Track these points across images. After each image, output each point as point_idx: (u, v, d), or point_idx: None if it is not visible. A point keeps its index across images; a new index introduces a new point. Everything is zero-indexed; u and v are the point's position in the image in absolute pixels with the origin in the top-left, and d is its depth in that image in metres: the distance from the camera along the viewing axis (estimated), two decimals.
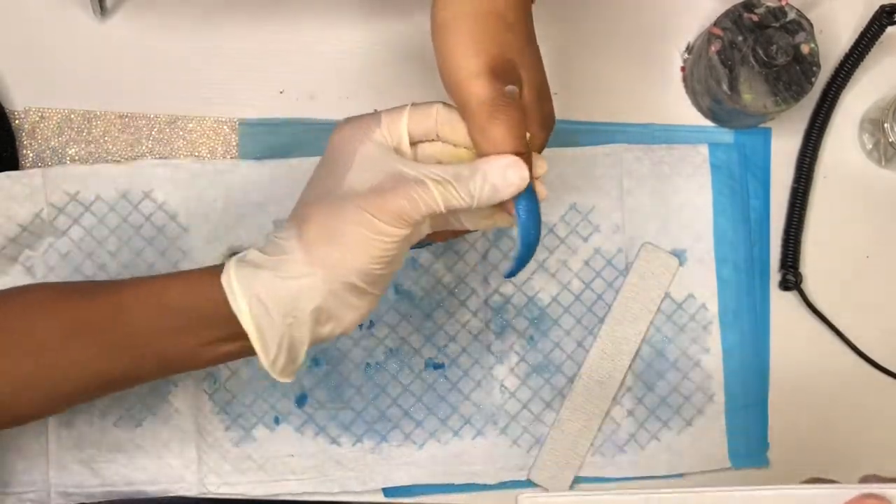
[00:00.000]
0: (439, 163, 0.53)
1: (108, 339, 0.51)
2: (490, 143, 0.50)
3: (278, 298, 0.49)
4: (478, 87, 0.50)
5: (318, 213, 0.50)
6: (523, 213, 0.52)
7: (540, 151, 0.54)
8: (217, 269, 0.51)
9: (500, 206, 0.52)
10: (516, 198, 0.51)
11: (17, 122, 0.72)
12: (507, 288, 0.72)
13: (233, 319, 0.50)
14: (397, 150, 0.52)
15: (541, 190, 0.53)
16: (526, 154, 0.50)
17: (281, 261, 0.50)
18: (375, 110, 0.54)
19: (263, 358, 0.50)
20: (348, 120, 0.53)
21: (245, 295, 0.49)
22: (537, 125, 0.52)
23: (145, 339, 0.51)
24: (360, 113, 0.55)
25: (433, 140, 0.54)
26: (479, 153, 0.51)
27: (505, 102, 0.50)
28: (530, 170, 0.51)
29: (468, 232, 0.57)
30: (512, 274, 0.56)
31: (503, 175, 0.50)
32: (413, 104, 0.53)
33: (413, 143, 0.53)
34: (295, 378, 0.53)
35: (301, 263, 0.49)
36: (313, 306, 0.50)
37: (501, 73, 0.50)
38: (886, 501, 0.43)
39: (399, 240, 0.49)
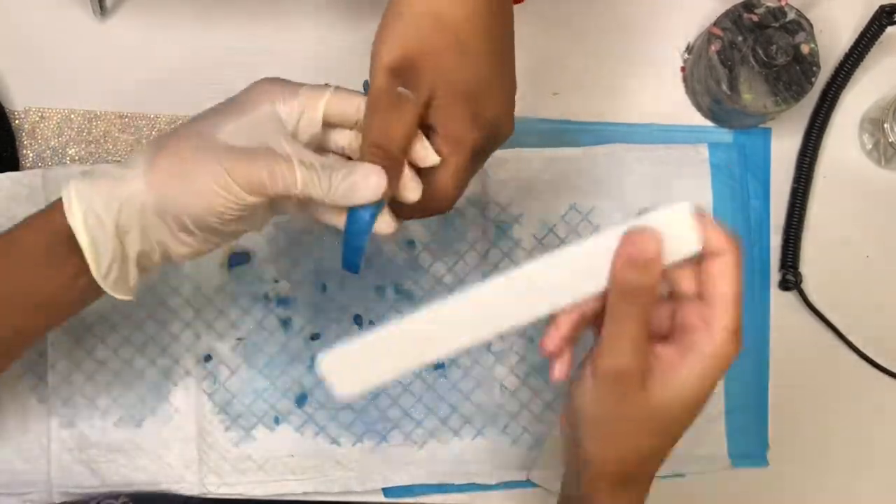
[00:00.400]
0: (346, 150, 0.54)
1: None
2: (364, 131, 0.51)
3: (110, 211, 0.49)
4: (378, 78, 0.51)
5: (179, 146, 0.50)
6: (352, 219, 0.51)
7: (476, 154, 0.53)
8: (60, 198, 0.51)
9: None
10: (357, 212, 0.51)
11: (17, 122, 0.72)
12: None
13: (78, 244, 0.50)
14: (303, 128, 0.52)
15: (385, 224, 0.52)
16: (389, 156, 0.51)
17: (123, 173, 0.50)
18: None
19: (94, 269, 0.50)
20: (273, 79, 0.53)
21: (80, 207, 0.49)
22: (463, 127, 0.52)
23: (8, 297, 0.52)
24: None
25: (350, 128, 0.54)
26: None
27: (387, 99, 0.50)
28: (396, 179, 0.51)
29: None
30: (345, 267, 0.54)
31: (365, 176, 0.50)
32: (338, 87, 0.53)
33: (331, 126, 0.53)
34: (134, 298, 0.53)
35: (140, 180, 0.50)
36: (141, 226, 0.50)
37: (401, 72, 0.50)
38: (654, 231, 0.45)
39: (245, 205, 0.50)
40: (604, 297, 0.47)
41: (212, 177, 0.49)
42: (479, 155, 0.54)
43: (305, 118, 0.52)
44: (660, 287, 0.46)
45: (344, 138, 0.54)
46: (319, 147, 0.54)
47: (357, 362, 0.48)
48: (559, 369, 0.50)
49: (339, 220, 0.53)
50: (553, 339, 0.49)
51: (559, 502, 0.57)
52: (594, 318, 0.49)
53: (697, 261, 0.47)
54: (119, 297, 0.52)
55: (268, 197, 0.50)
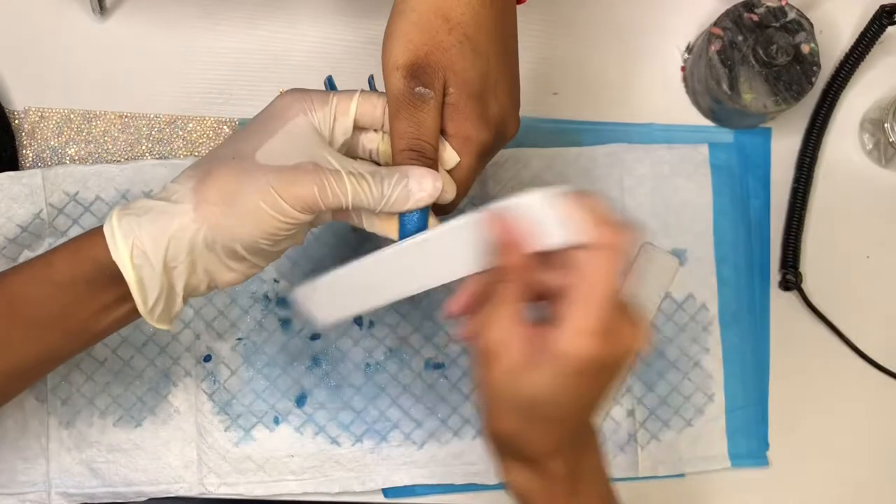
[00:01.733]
0: (375, 153, 0.54)
1: (6, 330, 0.51)
2: (392, 135, 0.51)
3: (158, 245, 0.49)
4: (394, 80, 0.51)
5: (224, 172, 0.49)
6: (407, 225, 0.52)
7: (484, 153, 0.53)
8: (100, 227, 0.50)
9: (394, 219, 0.52)
10: (409, 217, 0.52)
11: (16, 122, 0.72)
12: None
13: (118, 276, 0.49)
14: (338, 136, 0.52)
15: (433, 222, 0.53)
16: (426, 158, 0.51)
17: (168, 207, 0.49)
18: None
19: (141, 306, 0.50)
20: (297, 90, 0.53)
21: (126, 242, 0.49)
22: (473, 125, 0.52)
23: (45, 320, 0.51)
24: None
25: (377, 130, 0.54)
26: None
27: (410, 101, 0.50)
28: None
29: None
30: None
31: (420, 180, 0.50)
32: (363, 91, 0.53)
33: (358, 129, 0.54)
34: (173, 328, 0.53)
35: (188, 215, 0.49)
36: (190, 259, 0.49)
37: (418, 72, 0.50)
38: (503, 217, 0.46)
39: (297, 223, 0.49)
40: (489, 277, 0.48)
41: (262, 201, 0.48)
42: (486, 154, 0.54)
43: (338, 126, 0.52)
44: (535, 269, 0.46)
45: (372, 142, 0.54)
46: (349, 153, 0.54)
47: (325, 295, 0.54)
48: (463, 330, 0.50)
49: (387, 228, 0.53)
50: (457, 302, 0.50)
51: None
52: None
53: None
54: (162, 328, 0.52)
55: (319, 212, 0.50)
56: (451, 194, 0.53)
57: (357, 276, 0.52)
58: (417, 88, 0.50)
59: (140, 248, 0.49)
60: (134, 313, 0.51)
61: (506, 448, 0.50)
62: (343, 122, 0.52)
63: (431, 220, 0.52)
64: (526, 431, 0.48)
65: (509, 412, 0.47)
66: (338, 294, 0.54)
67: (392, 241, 0.52)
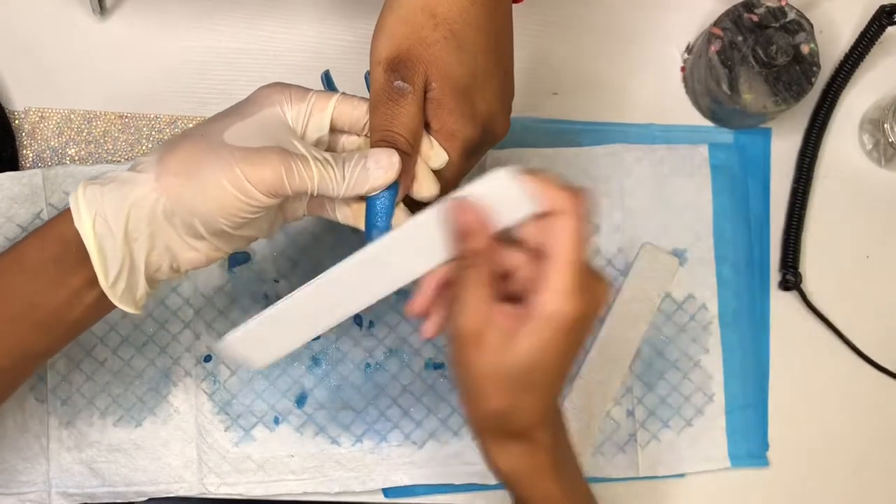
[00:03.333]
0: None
1: None
2: (371, 130, 0.52)
3: (119, 214, 0.49)
4: (375, 74, 0.51)
5: (189, 147, 0.49)
6: (371, 210, 0.52)
7: (471, 149, 0.53)
8: (69, 207, 0.50)
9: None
10: (375, 203, 0.51)
11: (17, 122, 0.72)
12: None
13: (85, 255, 0.49)
14: (311, 132, 0.52)
15: (402, 217, 0.52)
16: (401, 151, 0.51)
17: (132, 177, 0.49)
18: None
19: (102, 279, 0.50)
20: (279, 83, 0.53)
21: (89, 211, 0.49)
22: (457, 121, 0.52)
23: (16, 313, 0.51)
24: None
25: (358, 134, 0.54)
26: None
27: (388, 95, 0.51)
28: (407, 174, 0.51)
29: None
30: None
31: (377, 159, 0.50)
32: (343, 94, 0.53)
33: (338, 132, 0.54)
34: (141, 311, 0.52)
35: (149, 184, 0.49)
36: (150, 231, 0.49)
37: (397, 66, 0.50)
38: (467, 202, 0.48)
39: (260, 206, 0.49)
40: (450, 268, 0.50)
41: (225, 177, 0.48)
42: (472, 152, 0.54)
43: (313, 122, 0.52)
44: (498, 250, 0.48)
45: (352, 144, 0.54)
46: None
47: (259, 338, 0.52)
48: (427, 328, 0.52)
49: (357, 218, 0.53)
50: (417, 303, 0.51)
51: None
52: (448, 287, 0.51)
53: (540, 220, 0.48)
54: (126, 309, 0.51)
55: (283, 197, 0.49)
56: (433, 191, 0.53)
57: (309, 301, 0.51)
58: (396, 82, 0.50)
59: (102, 217, 0.49)
60: (105, 301, 0.51)
61: (495, 428, 0.51)
62: (318, 118, 0.52)
63: (400, 214, 0.52)
64: (517, 404, 0.49)
65: (498, 389, 0.48)
66: (283, 327, 0.52)
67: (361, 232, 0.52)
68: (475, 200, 0.48)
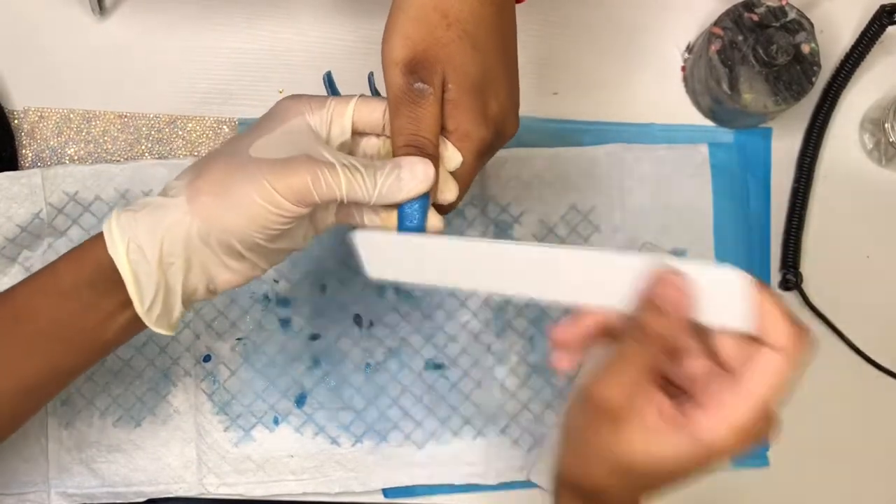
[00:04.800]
0: (375, 157, 0.54)
1: (11, 346, 0.51)
2: (391, 133, 0.51)
3: (153, 240, 0.49)
4: (393, 76, 0.51)
5: (217, 166, 0.49)
6: (403, 217, 0.51)
7: (483, 150, 0.53)
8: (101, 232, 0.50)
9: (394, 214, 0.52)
10: (407, 210, 0.51)
11: (16, 121, 0.72)
12: None
13: (120, 279, 0.49)
14: (335, 137, 0.52)
15: (437, 222, 0.52)
16: (425, 154, 0.50)
17: (164, 202, 0.49)
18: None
19: (138, 305, 0.50)
20: (296, 95, 0.53)
21: (123, 238, 0.49)
22: (472, 122, 0.52)
23: (49, 333, 0.51)
24: None
25: (378, 135, 0.54)
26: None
27: (409, 97, 0.50)
28: (436, 173, 0.51)
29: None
30: None
31: (411, 168, 0.49)
32: (362, 95, 0.53)
33: (358, 134, 0.53)
34: (174, 332, 0.52)
35: (181, 209, 0.49)
36: (186, 255, 0.49)
37: (416, 67, 0.50)
38: (686, 282, 0.43)
39: (291, 217, 0.49)
40: (622, 317, 0.45)
41: (255, 191, 0.48)
42: (485, 152, 0.53)
43: (335, 127, 0.52)
44: (684, 341, 0.44)
45: (372, 146, 0.54)
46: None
47: (390, 251, 0.51)
48: (560, 359, 0.48)
49: (388, 224, 0.52)
50: (568, 332, 0.47)
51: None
52: (606, 332, 0.48)
53: (748, 339, 0.43)
54: (161, 331, 0.51)
55: (313, 205, 0.49)
56: (452, 194, 0.52)
57: (459, 252, 0.49)
58: (416, 84, 0.50)
59: (136, 244, 0.49)
60: (137, 322, 0.51)
61: (582, 494, 0.48)
62: (340, 123, 0.52)
63: (433, 218, 0.52)
64: (617, 490, 0.46)
65: (607, 469, 0.45)
66: (416, 256, 0.51)
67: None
68: (689, 282, 0.43)
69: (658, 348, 0.44)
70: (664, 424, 0.44)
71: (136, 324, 0.51)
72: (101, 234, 0.50)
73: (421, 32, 0.50)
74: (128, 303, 0.50)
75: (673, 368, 0.46)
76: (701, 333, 0.45)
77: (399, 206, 0.51)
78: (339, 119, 0.52)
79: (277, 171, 0.48)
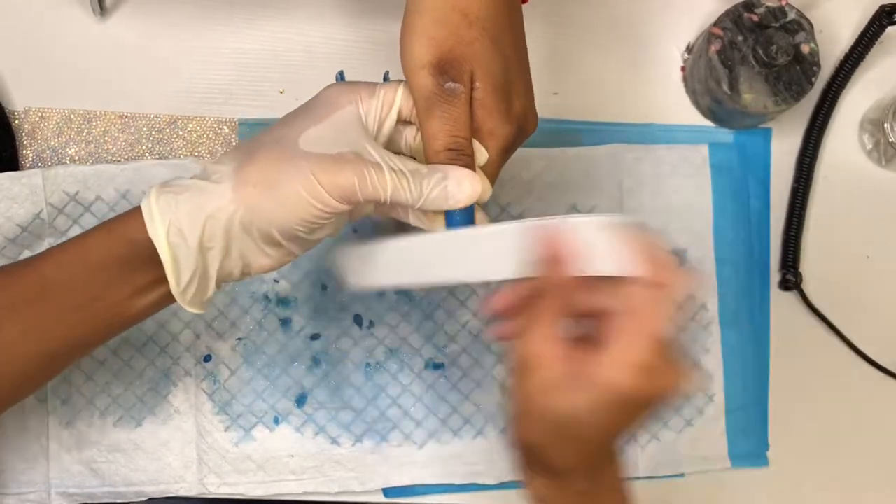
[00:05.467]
0: (410, 146, 0.54)
1: (39, 315, 0.51)
2: (426, 136, 0.51)
3: (195, 224, 0.49)
4: (421, 79, 0.50)
5: (266, 155, 0.49)
6: (454, 222, 0.52)
7: (507, 148, 0.53)
8: (136, 208, 0.50)
9: (441, 214, 0.52)
10: (455, 213, 0.51)
11: (17, 122, 0.72)
12: None
13: (152, 257, 0.49)
14: (385, 127, 0.52)
15: (481, 217, 0.53)
16: (464, 156, 0.51)
17: (208, 186, 0.49)
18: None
19: (175, 287, 0.50)
20: (344, 82, 0.53)
21: (164, 219, 0.48)
22: (497, 120, 0.52)
23: (77, 304, 0.51)
24: None
25: (414, 123, 0.54)
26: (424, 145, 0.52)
27: (442, 98, 0.50)
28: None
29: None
30: None
31: (459, 182, 0.50)
32: (404, 82, 0.53)
33: (401, 123, 0.53)
34: (205, 310, 0.53)
35: (227, 195, 0.48)
36: (226, 241, 0.49)
37: (445, 67, 0.50)
38: (559, 237, 0.47)
39: (335, 212, 0.49)
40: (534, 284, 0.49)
41: (302, 187, 0.48)
42: (509, 149, 0.53)
43: (387, 118, 0.52)
44: (581, 289, 0.47)
45: (410, 134, 0.54)
46: (389, 146, 0.54)
47: (362, 262, 0.54)
48: (496, 331, 0.53)
49: (433, 225, 0.52)
50: (497, 301, 0.51)
51: None
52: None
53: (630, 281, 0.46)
54: (194, 310, 0.52)
55: (357, 204, 0.49)
56: (488, 191, 0.52)
57: (399, 251, 0.53)
58: (448, 84, 0.50)
59: (177, 226, 0.49)
60: (166, 298, 0.51)
61: (530, 457, 0.50)
62: (391, 114, 0.52)
63: (479, 215, 0.52)
64: (552, 445, 0.48)
65: (538, 424, 0.48)
66: (375, 264, 0.54)
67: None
68: (565, 232, 0.46)
69: (557, 297, 0.47)
70: (571, 368, 0.46)
71: (165, 300, 0.51)
72: (134, 211, 0.50)
73: (444, 32, 0.50)
74: (158, 281, 0.50)
75: (580, 322, 0.49)
76: (595, 284, 0.47)
77: (449, 218, 0.52)
78: (388, 109, 0.52)
79: (326, 168, 0.48)
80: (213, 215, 0.49)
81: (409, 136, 0.54)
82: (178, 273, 0.49)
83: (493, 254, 0.49)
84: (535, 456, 0.50)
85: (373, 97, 0.52)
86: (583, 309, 0.48)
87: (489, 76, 0.51)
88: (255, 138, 0.51)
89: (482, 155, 0.52)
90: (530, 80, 0.55)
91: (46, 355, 0.52)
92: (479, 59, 0.50)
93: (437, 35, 0.50)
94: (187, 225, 0.49)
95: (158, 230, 0.49)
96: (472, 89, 0.51)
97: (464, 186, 0.50)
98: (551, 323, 0.47)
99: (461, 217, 0.51)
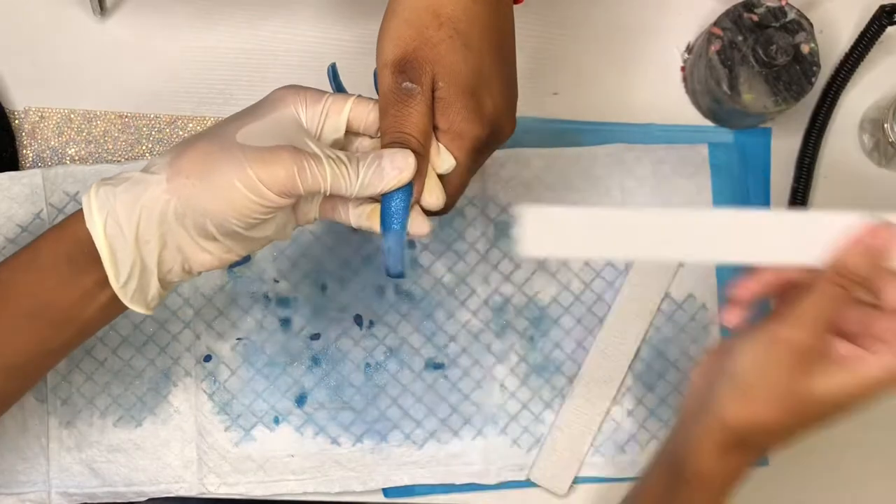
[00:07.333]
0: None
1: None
2: (381, 133, 0.52)
3: (130, 215, 0.49)
4: (383, 77, 0.51)
5: (201, 147, 0.49)
6: (387, 210, 0.51)
7: (478, 149, 0.53)
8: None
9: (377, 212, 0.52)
10: (390, 205, 0.51)
11: (17, 122, 0.72)
12: (507, 288, 0.72)
13: (97, 254, 0.49)
14: (328, 134, 0.52)
15: (421, 224, 0.52)
16: (412, 151, 0.50)
17: (144, 178, 0.49)
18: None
19: (113, 280, 0.49)
20: (295, 86, 0.53)
21: (101, 212, 0.49)
22: (464, 120, 0.52)
23: (30, 311, 0.51)
24: None
25: (373, 136, 0.54)
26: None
27: (397, 97, 0.50)
28: (420, 178, 0.51)
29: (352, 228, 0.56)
30: (389, 273, 0.53)
31: (392, 157, 0.50)
32: (359, 96, 0.53)
33: (353, 134, 0.54)
34: (153, 312, 0.52)
35: (160, 186, 0.49)
36: (161, 232, 0.49)
37: (405, 67, 0.50)
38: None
39: (272, 207, 0.49)
40: (803, 272, 0.51)
41: (236, 177, 0.48)
42: (480, 152, 0.53)
43: (329, 124, 0.52)
44: (876, 286, 0.50)
45: (365, 147, 0.54)
46: None
47: (557, 227, 0.52)
48: (736, 316, 0.54)
49: (371, 220, 0.52)
50: (749, 288, 0.54)
51: (636, 485, 0.59)
52: (782, 288, 0.54)
53: None
54: (137, 309, 0.51)
55: (296, 197, 0.49)
56: (438, 200, 0.52)
57: (635, 221, 0.52)
58: (404, 84, 0.50)
59: (114, 218, 0.49)
60: (114, 302, 0.51)
61: (739, 433, 0.53)
62: (335, 120, 0.52)
63: (417, 219, 0.52)
64: (785, 427, 0.52)
65: (782, 406, 0.51)
66: (589, 228, 0.52)
67: (375, 235, 0.52)
68: (883, 227, 0.50)
69: (849, 293, 0.50)
70: (850, 360, 0.50)
71: (116, 304, 0.51)
72: (80, 211, 0.50)
73: (411, 33, 0.50)
74: (106, 281, 0.50)
75: (850, 314, 0.52)
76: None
77: (382, 205, 0.51)
78: (336, 116, 0.52)
79: (262, 160, 0.48)
80: (147, 205, 0.49)
81: (362, 148, 0.54)
82: (117, 266, 0.49)
83: (774, 237, 0.51)
84: (747, 434, 0.52)
85: (318, 103, 0.52)
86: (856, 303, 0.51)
87: (455, 76, 0.51)
88: (197, 133, 0.52)
89: (448, 161, 0.52)
90: (513, 81, 0.55)
91: (9, 368, 0.52)
92: (444, 59, 0.50)
93: (404, 35, 0.51)
94: (124, 216, 0.49)
95: (96, 222, 0.49)
96: (435, 89, 0.51)
97: (396, 160, 0.50)
98: (829, 313, 0.50)
99: (395, 213, 0.50)
